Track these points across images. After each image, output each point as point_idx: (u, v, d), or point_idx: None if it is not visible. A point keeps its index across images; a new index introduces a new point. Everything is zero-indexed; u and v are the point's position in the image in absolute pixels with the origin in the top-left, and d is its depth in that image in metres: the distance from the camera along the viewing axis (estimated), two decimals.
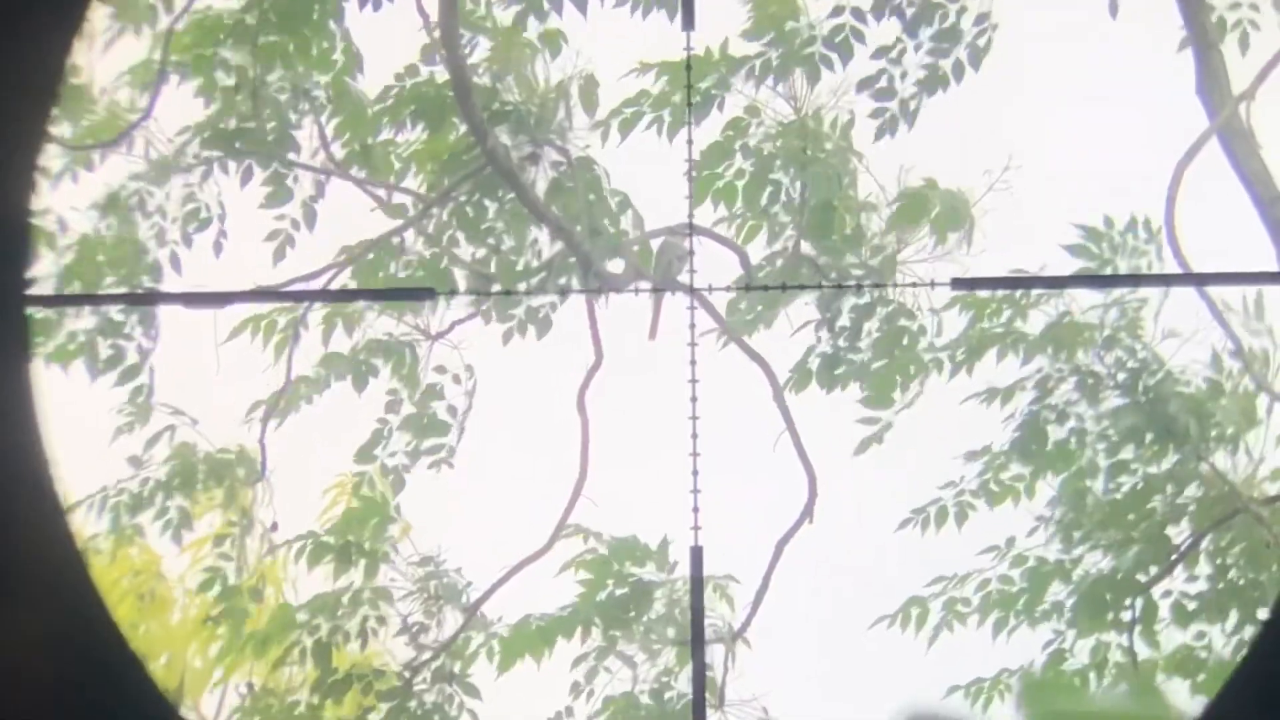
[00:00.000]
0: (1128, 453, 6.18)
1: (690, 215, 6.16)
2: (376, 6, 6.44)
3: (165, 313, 6.36)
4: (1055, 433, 6.28)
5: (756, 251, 6.34)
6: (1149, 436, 6.16)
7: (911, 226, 6.26)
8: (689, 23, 6.13)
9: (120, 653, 2.81)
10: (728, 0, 6.47)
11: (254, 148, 6.30)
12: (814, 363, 6.32)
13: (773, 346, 6.40)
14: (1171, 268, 6.41)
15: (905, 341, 6.26)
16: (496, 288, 6.40)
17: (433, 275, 6.33)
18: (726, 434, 6.10)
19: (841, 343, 6.29)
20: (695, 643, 6.07)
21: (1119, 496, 6.14)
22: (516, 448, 6.51)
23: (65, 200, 6.41)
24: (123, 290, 6.42)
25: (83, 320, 6.28)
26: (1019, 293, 6.41)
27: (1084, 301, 6.41)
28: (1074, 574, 6.10)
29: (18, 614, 2.67)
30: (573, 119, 6.35)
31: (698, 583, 5.99)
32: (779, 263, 6.32)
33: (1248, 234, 6.38)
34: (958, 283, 6.35)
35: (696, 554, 6.02)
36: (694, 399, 5.83)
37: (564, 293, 6.39)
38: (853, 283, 6.34)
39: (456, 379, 6.39)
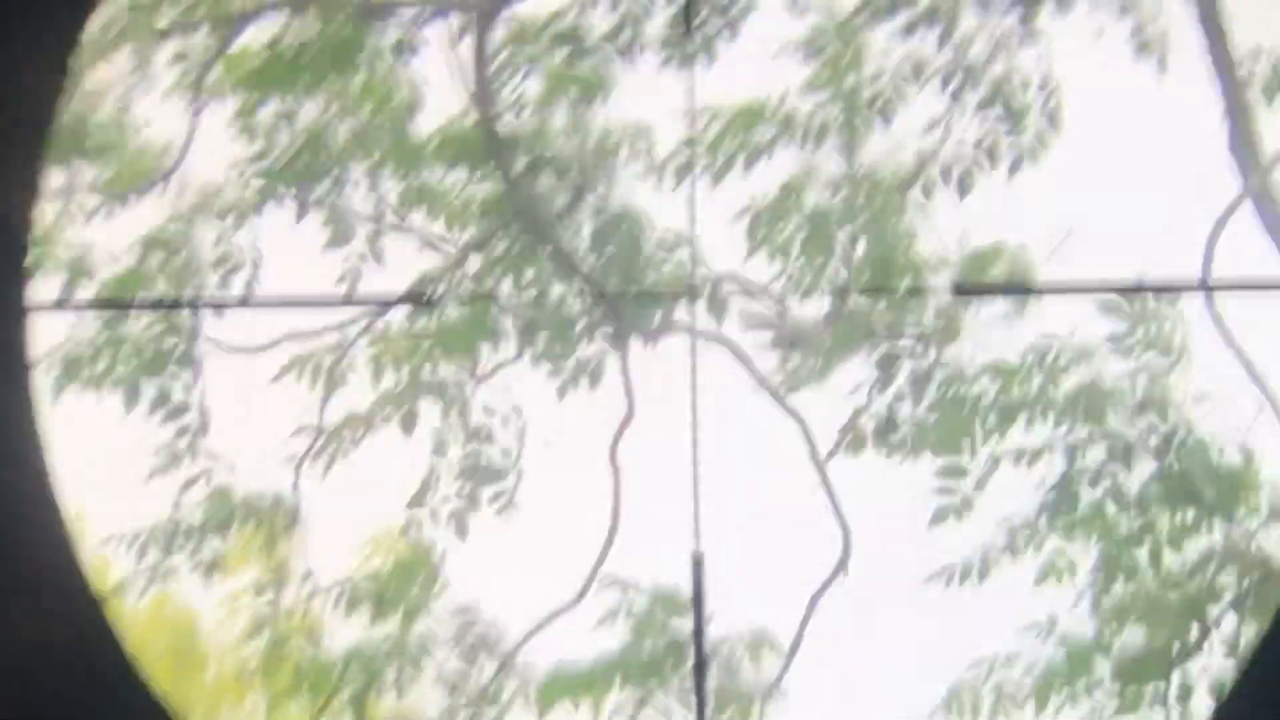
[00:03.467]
0: (1163, 523, 6.23)
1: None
2: (407, 59, 6.40)
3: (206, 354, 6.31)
4: (1088, 495, 6.32)
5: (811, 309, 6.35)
6: (1183, 506, 6.21)
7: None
8: (686, 24, 6.11)
9: (113, 653, 2.81)
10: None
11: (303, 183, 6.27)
12: (868, 425, 6.31)
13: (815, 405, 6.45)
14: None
15: (965, 410, 6.24)
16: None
17: (478, 320, 6.30)
18: (738, 476, 6.14)
19: (901, 405, 6.27)
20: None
21: (1156, 571, 6.18)
22: (549, 491, 6.53)
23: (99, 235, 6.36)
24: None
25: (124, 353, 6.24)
26: (1048, 359, 6.43)
27: (1113, 369, 6.45)
28: (1113, 648, 6.15)
29: (15, 614, 2.66)
30: (621, 169, 6.32)
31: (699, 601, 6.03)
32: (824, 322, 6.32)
33: None
34: (959, 289, 6.38)
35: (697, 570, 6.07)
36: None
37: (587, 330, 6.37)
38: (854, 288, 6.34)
39: (505, 421, 6.37)
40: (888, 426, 6.23)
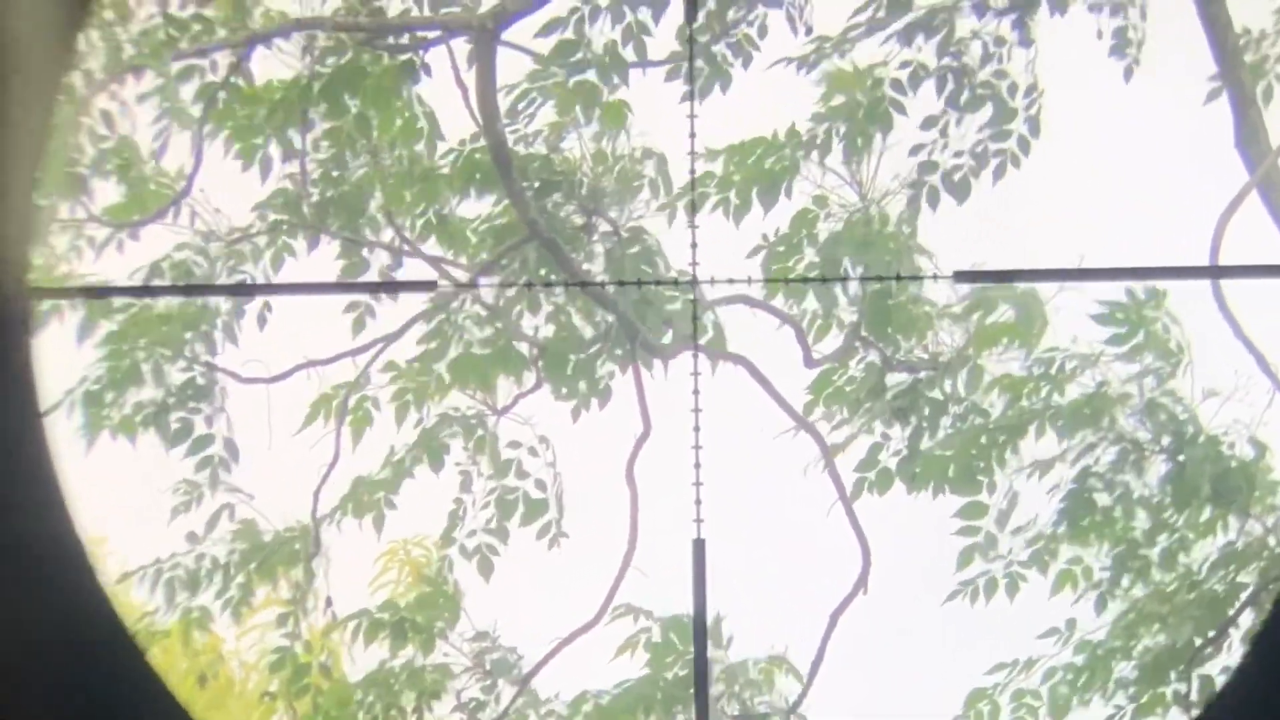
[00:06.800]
0: (1179, 520, 6.23)
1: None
2: (417, 80, 6.42)
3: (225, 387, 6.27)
4: (1101, 500, 6.33)
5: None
6: (1196, 502, 6.21)
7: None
8: (691, 14, 6.16)
9: (121, 641, 2.78)
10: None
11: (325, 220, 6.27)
12: (891, 461, 6.31)
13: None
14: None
15: (983, 440, 6.26)
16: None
17: (498, 350, 6.30)
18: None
19: (925, 441, 6.28)
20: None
21: (1175, 571, 6.19)
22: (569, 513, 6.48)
23: (113, 270, 6.33)
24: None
25: (145, 392, 6.19)
26: (1054, 369, 6.47)
27: (1120, 373, 6.49)
28: (1134, 650, 6.14)
29: (19, 603, 2.63)
30: (636, 195, 6.35)
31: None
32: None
33: None
34: (960, 275, 6.41)
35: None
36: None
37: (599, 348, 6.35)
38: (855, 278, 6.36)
39: (533, 452, 6.35)
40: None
